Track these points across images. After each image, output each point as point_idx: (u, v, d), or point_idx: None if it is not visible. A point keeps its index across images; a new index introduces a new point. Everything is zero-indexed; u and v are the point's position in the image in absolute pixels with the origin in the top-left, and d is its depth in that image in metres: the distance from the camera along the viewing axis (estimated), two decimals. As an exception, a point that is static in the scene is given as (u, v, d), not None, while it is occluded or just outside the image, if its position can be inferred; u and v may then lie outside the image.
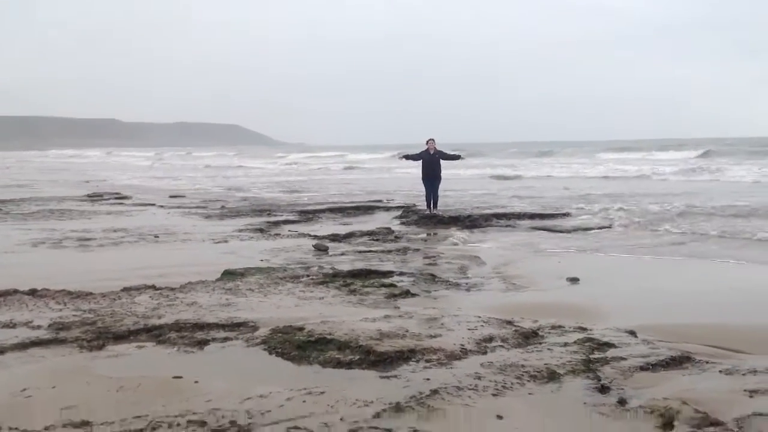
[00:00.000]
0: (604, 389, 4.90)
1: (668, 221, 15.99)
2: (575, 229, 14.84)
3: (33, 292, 7.88)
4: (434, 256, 11.27)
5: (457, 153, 19.47)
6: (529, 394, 4.85)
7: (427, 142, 18.24)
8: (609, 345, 5.88)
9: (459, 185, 28.33)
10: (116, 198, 23.47)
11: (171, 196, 24.89)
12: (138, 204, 21.40)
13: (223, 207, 20.11)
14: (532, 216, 17.19)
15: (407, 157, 19.12)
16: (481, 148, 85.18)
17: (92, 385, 5.00)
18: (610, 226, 15.39)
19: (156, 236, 13.44)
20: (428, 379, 5.05)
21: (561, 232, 14.59)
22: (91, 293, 7.85)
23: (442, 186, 18.59)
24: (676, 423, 4.30)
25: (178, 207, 20.44)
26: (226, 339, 6.18)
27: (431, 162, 18.08)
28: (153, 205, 21.05)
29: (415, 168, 19.18)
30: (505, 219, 16.71)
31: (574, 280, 9.20)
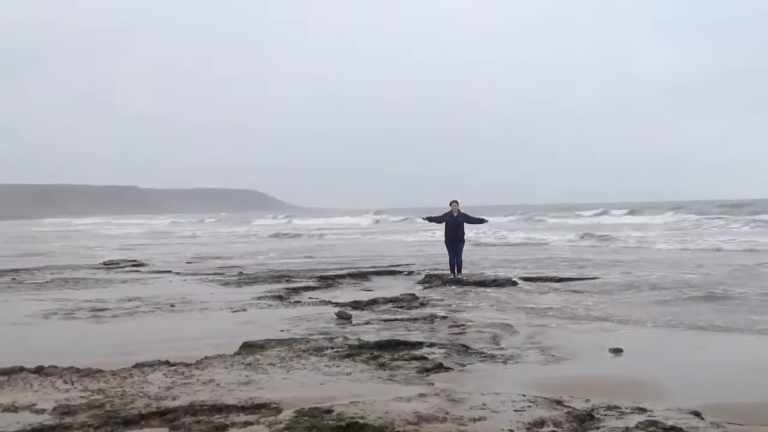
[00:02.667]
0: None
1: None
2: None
3: (39, 370, 7.36)
4: (463, 325, 10.65)
5: (481, 217, 18.91)
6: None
7: (451, 203, 17.74)
8: (676, 430, 5.23)
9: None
10: (132, 265, 23.04)
11: (188, 262, 24.46)
12: (154, 271, 20.96)
13: (240, 273, 19.62)
14: (560, 279, 16.60)
15: (431, 219, 18.62)
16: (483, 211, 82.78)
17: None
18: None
19: (172, 305, 12.94)
20: (477, 474, 4.45)
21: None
22: (100, 370, 7.30)
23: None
24: None
25: (195, 273, 19.97)
26: (246, 424, 5.59)
27: (455, 225, 17.58)
28: (169, 272, 20.61)
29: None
30: (532, 282, 16.16)
31: (617, 351, 8.55)
